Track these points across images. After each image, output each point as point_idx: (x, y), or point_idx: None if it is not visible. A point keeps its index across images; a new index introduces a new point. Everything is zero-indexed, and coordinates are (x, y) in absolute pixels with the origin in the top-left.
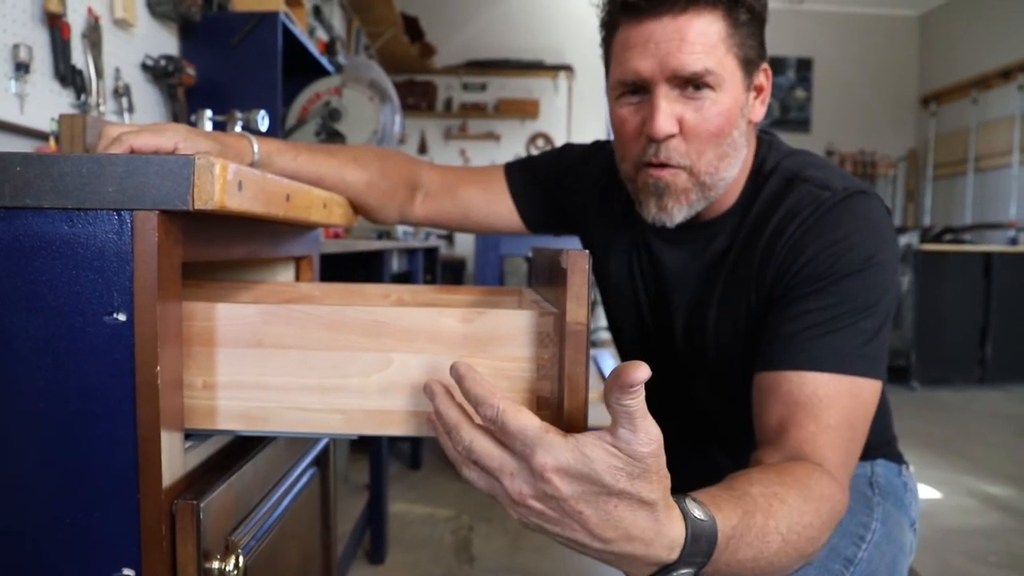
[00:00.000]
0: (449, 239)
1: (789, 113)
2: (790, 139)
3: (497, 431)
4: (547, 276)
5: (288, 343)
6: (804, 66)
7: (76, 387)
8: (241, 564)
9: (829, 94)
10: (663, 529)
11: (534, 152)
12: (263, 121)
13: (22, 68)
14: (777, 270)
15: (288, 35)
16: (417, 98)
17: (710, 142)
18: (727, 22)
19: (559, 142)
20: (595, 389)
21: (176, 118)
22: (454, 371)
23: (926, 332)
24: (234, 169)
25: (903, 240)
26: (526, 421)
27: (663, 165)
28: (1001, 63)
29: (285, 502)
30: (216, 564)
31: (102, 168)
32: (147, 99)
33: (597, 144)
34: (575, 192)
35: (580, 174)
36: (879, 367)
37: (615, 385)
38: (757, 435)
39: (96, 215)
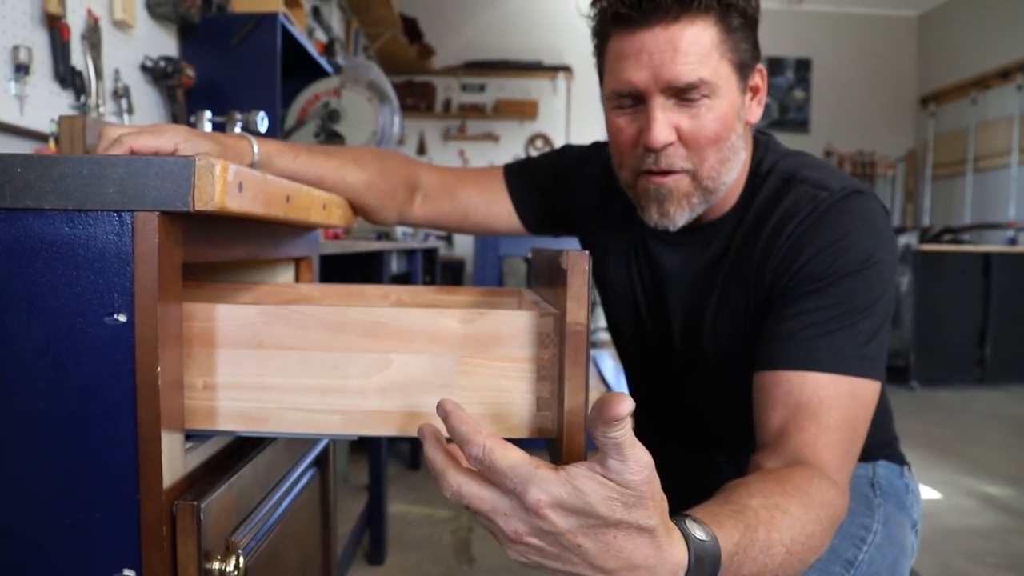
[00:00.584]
0: (448, 240)
1: (788, 114)
2: (789, 140)
3: (485, 471)
4: (547, 277)
5: (288, 344)
6: (803, 66)
7: (77, 388)
8: (241, 565)
9: (828, 95)
10: (665, 555)
11: (533, 153)
12: (262, 122)
13: (22, 69)
14: (775, 271)
15: (287, 36)
16: (416, 99)
17: (710, 147)
18: (720, 28)
19: (558, 143)
20: (595, 390)
21: (175, 119)
22: (440, 409)
23: (925, 332)
24: (234, 170)
25: (902, 240)
26: (515, 458)
27: (665, 172)
28: (1000, 63)
29: (285, 503)
30: (217, 565)
31: (103, 169)
32: (146, 100)
33: (596, 145)
34: (574, 193)
35: (579, 175)
36: (878, 368)
37: (599, 420)
38: (757, 436)
39: (97, 216)
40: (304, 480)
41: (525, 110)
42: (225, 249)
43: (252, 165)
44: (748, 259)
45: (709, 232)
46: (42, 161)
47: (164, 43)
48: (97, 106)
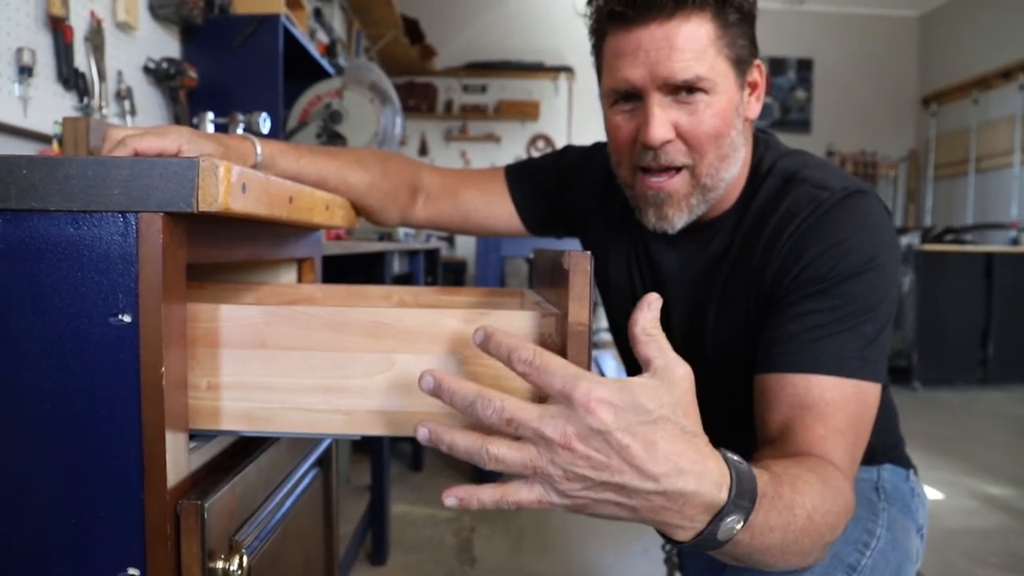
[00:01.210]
0: (450, 241)
1: (789, 114)
2: (790, 140)
3: (535, 372)
4: (549, 277)
5: (291, 344)
6: (804, 67)
7: (81, 388)
8: (245, 564)
9: (829, 95)
10: (710, 463)
11: (534, 153)
12: (265, 123)
13: (25, 71)
14: (777, 272)
15: (289, 37)
16: (418, 100)
17: (709, 144)
18: (716, 24)
19: (559, 143)
20: None
21: (178, 120)
22: (480, 332)
23: (928, 333)
24: (238, 171)
25: (904, 241)
26: (563, 360)
27: (664, 169)
28: (1002, 63)
29: (288, 503)
30: (220, 564)
31: (107, 171)
32: (149, 101)
33: (597, 146)
34: (575, 194)
35: (580, 176)
36: (880, 370)
37: (636, 323)
38: (759, 436)
39: (101, 217)
40: (307, 480)
41: (527, 111)
42: (228, 250)
43: (255, 166)
44: (749, 259)
45: (709, 231)
46: (47, 163)
47: (167, 45)
48: (100, 107)
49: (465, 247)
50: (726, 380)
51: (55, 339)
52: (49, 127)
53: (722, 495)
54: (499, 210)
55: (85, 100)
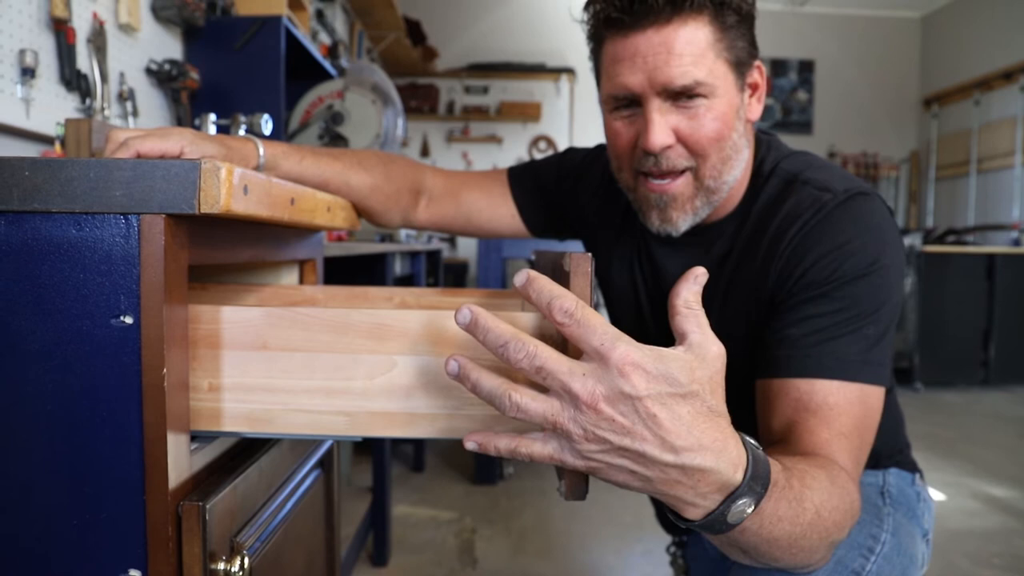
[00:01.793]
0: (452, 242)
1: (791, 115)
2: (792, 141)
3: (574, 324)
4: (550, 279)
5: (293, 346)
6: (806, 68)
7: (83, 389)
8: (246, 565)
9: (831, 96)
10: (729, 444)
11: (536, 154)
12: (267, 125)
13: (28, 73)
14: (779, 274)
15: (291, 39)
16: (419, 101)
17: (711, 147)
18: (714, 27)
19: (561, 144)
20: None
21: (180, 122)
22: (522, 274)
23: (929, 334)
24: (239, 173)
25: (906, 242)
26: (604, 318)
27: (665, 174)
28: (1003, 64)
29: (289, 504)
30: (222, 565)
31: (109, 173)
32: (151, 103)
33: (600, 148)
34: (577, 196)
35: (582, 178)
36: (883, 373)
37: (678, 292)
38: (762, 440)
39: (103, 219)
40: (308, 481)
41: (528, 112)
42: (230, 251)
43: (258, 168)
44: (751, 262)
45: (711, 234)
46: (49, 164)
47: (169, 46)
48: (102, 109)
49: (467, 248)
50: (729, 383)
51: (57, 340)
52: (52, 128)
53: (737, 476)
54: (501, 212)
55: (87, 101)
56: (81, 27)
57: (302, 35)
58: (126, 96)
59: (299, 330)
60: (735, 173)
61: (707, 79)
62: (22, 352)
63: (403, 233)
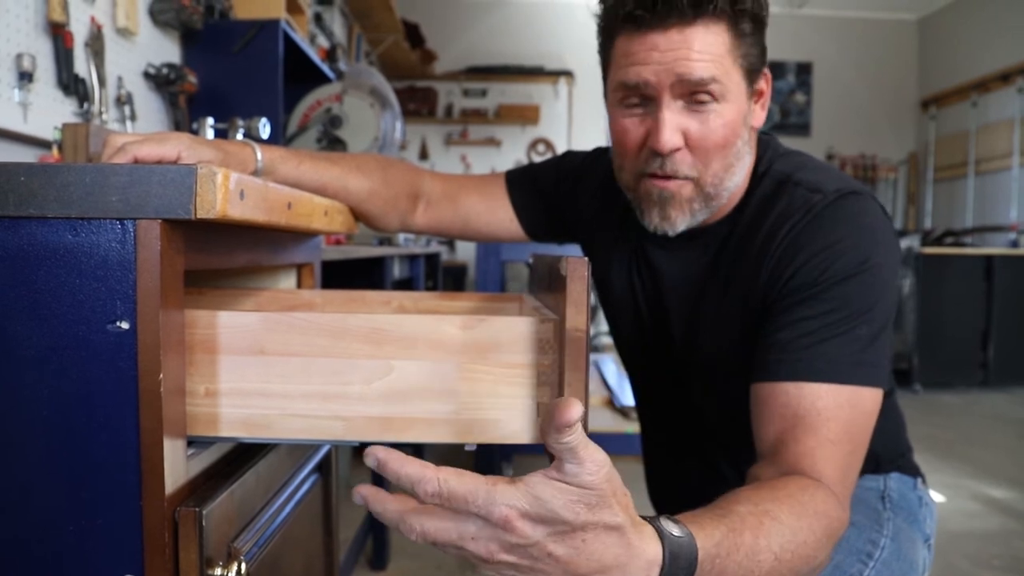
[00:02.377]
0: (450, 245)
1: (789, 117)
2: (790, 143)
3: (445, 502)
4: (547, 283)
5: (290, 350)
6: (804, 70)
7: (79, 395)
8: (243, 571)
9: (829, 98)
10: (635, 551)
11: (535, 157)
12: (265, 128)
13: (26, 77)
14: (770, 276)
15: (289, 42)
16: (418, 104)
17: (716, 154)
18: (732, 34)
19: (560, 147)
20: (596, 395)
21: (178, 126)
22: (371, 458)
23: (928, 335)
24: (236, 178)
25: (904, 243)
26: (471, 482)
27: (669, 177)
28: (1000, 66)
29: (287, 509)
30: (219, 571)
31: (106, 178)
32: (149, 107)
33: (598, 151)
34: (576, 198)
35: (580, 181)
36: (879, 374)
37: (551, 427)
38: (756, 448)
39: (100, 224)
40: (306, 486)
41: (527, 115)
42: (227, 256)
43: (256, 172)
44: (743, 264)
45: (706, 237)
46: (45, 170)
47: (167, 50)
48: (100, 113)
49: (465, 251)
50: (725, 385)
51: (53, 346)
52: (49, 133)
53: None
54: (499, 216)
55: (85, 106)
56: (79, 31)
57: (300, 38)
58: (124, 100)
59: (296, 335)
60: (735, 180)
61: (723, 79)
62: (18, 358)
63: (401, 237)
